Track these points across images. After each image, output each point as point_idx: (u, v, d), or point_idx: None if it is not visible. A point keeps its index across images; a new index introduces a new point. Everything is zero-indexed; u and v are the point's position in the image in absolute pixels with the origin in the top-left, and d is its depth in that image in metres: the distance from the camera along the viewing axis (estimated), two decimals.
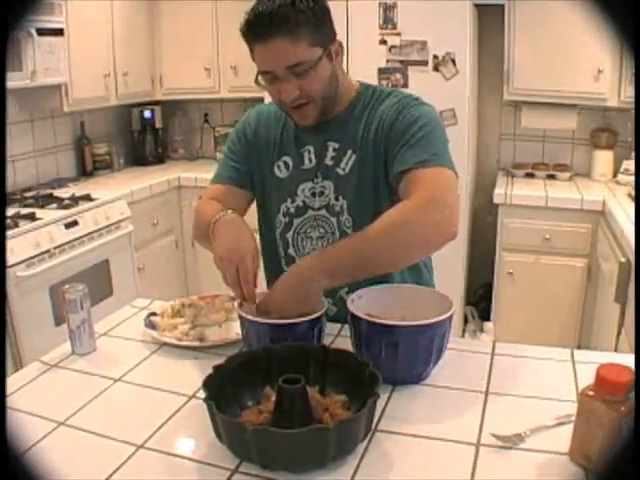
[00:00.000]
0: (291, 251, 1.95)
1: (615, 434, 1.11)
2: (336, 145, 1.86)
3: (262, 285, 1.84)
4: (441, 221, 1.59)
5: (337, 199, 1.86)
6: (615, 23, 0.99)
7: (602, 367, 1.15)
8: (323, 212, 1.89)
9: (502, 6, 4.09)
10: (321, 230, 1.90)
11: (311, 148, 1.89)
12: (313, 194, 1.89)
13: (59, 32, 3.75)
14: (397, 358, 1.45)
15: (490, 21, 4.31)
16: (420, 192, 1.61)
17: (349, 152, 1.84)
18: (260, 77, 1.74)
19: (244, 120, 2.03)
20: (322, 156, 1.87)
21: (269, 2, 1.63)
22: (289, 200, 1.92)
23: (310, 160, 1.89)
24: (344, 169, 1.84)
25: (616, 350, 3.01)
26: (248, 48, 1.73)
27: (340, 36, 3.88)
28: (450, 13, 3.75)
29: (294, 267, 1.69)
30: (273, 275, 1.90)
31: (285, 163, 1.93)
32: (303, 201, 1.90)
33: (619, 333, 3.03)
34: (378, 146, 1.79)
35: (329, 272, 1.58)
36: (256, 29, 1.65)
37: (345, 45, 3.85)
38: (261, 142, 1.96)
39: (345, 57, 3.80)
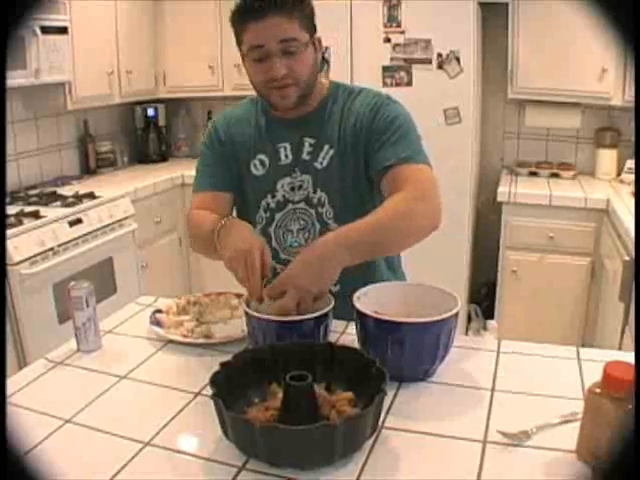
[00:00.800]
0: (274, 244, 1.99)
1: (621, 432, 1.11)
2: (312, 141, 1.93)
3: None
4: (432, 213, 1.75)
5: (315, 192, 1.93)
6: (616, 25, 0.99)
7: (609, 364, 1.15)
8: (302, 205, 1.96)
9: (506, 4, 4.09)
10: (301, 222, 1.96)
11: (287, 145, 1.95)
12: (292, 188, 1.95)
13: (63, 30, 3.76)
14: (403, 355, 1.45)
15: (494, 19, 4.30)
16: (411, 187, 1.74)
17: (326, 147, 1.92)
18: (246, 57, 1.80)
19: (213, 127, 2.08)
20: (299, 152, 1.94)
21: None
22: (269, 196, 1.97)
23: (286, 156, 1.95)
24: (322, 163, 1.92)
25: (620, 349, 3.01)
26: (236, 30, 1.80)
27: (344, 34, 3.91)
28: (454, 11, 3.75)
29: (313, 244, 1.71)
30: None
31: (261, 161, 1.98)
32: (283, 196, 1.96)
33: (623, 332, 3.03)
34: (357, 142, 1.88)
35: (350, 248, 1.62)
36: (253, 8, 1.72)
37: (349, 43, 3.87)
38: (236, 143, 2.01)
39: (349, 55, 3.84)
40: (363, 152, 1.87)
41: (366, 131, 1.86)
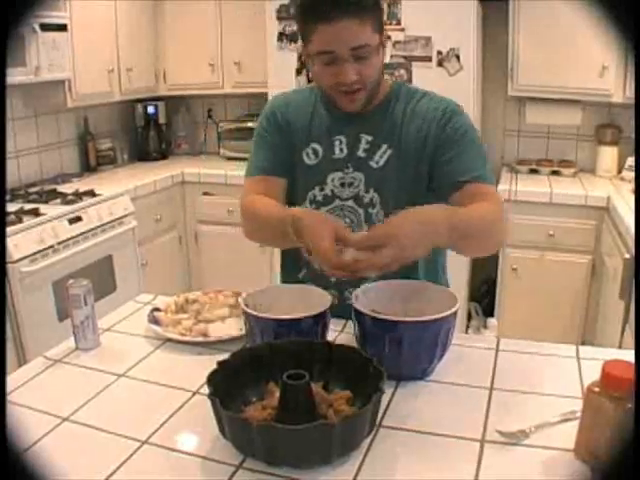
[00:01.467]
0: None
1: (621, 431, 1.11)
2: (369, 138, 1.87)
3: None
4: (505, 232, 1.83)
5: (367, 191, 1.87)
6: (617, 24, 0.99)
7: (608, 363, 1.15)
8: (351, 203, 1.89)
9: (506, 1, 4.08)
10: (347, 220, 1.89)
11: (343, 138, 1.90)
12: (342, 184, 1.89)
13: (63, 28, 3.76)
14: (401, 354, 1.45)
15: (494, 16, 4.29)
16: (492, 204, 1.72)
17: (384, 146, 1.86)
18: (313, 58, 1.74)
19: (272, 106, 2.01)
20: (354, 147, 1.88)
21: None
22: (317, 188, 1.92)
23: (341, 150, 1.90)
24: (378, 162, 1.86)
25: (620, 347, 3.01)
26: (302, 29, 1.74)
27: None
28: (454, 8, 3.74)
29: (422, 209, 1.57)
30: (292, 259, 1.95)
31: (314, 150, 1.92)
32: (332, 190, 1.90)
33: (623, 330, 3.03)
34: (423, 147, 1.82)
35: (449, 230, 1.55)
36: (322, 8, 1.65)
37: None
38: (292, 127, 1.95)
39: None
40: (429, 159, 1.82)
41: (434, 138, 1.81)
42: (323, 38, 1.68)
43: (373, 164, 1.87)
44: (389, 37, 1.82)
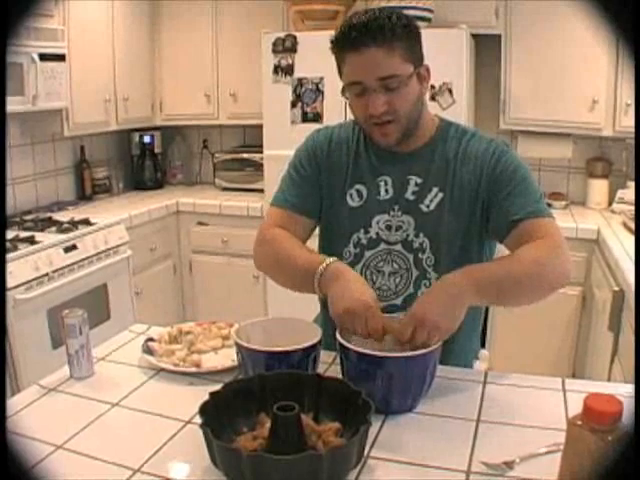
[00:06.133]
0: None
1: (602, 463, 1.13)
2: (419, 180, 1.83)
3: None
4: (564, 267, 1.70)
5: (417, 236, 1.83)
6: (615, 25, 1.01)
7: (589, 397, 1.17)
8: (399, 247, 1.85)
9: (499, 36, 4.14)
10: (394, 265, 1.86)
11: (388, 179, 1.85)
12: (388, 227, 1.85)
13: (61, 57, 3.81)
14: (390, 389, 1.47)
15: (487, 51, 4.35)
16: (544, 240, 1.69)
17: (435, 190, 1.82)
18: (346, 90, 1.75)
19: (314, 141, 1.97)
20: (402, 189, 1.84)
21: (365, 15, 1.66)
22: (362, 231, 1.87)
23: (387, 191, 1.85)
24: (428, 206, 1.82)
25: (609, 378, 3.02)
26: (337, 60, 1.74)
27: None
28: (447, 43, 3.78)
29: (441, 282, 1.63)
30: None
31: (358, 192, 1.88)
32: (377, 233, 1.86)
33: (612, 361, 3.05)
34: (477, 190, 1.80)
35: (475, 286, 1.58)
36: (351, 38, 1.66)
37: None
38: (333, 167, 1.91)
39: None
40: (483, 202, 1.79)
41: (487, 178, 1.77)
42: (352, 68, 1.69)
43: (423, 207, 1.82)
44: (428, 70, 1.78)
